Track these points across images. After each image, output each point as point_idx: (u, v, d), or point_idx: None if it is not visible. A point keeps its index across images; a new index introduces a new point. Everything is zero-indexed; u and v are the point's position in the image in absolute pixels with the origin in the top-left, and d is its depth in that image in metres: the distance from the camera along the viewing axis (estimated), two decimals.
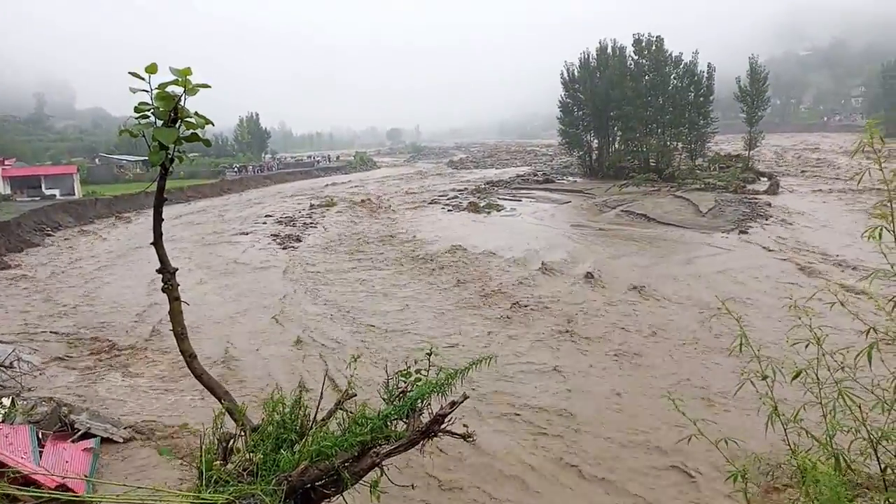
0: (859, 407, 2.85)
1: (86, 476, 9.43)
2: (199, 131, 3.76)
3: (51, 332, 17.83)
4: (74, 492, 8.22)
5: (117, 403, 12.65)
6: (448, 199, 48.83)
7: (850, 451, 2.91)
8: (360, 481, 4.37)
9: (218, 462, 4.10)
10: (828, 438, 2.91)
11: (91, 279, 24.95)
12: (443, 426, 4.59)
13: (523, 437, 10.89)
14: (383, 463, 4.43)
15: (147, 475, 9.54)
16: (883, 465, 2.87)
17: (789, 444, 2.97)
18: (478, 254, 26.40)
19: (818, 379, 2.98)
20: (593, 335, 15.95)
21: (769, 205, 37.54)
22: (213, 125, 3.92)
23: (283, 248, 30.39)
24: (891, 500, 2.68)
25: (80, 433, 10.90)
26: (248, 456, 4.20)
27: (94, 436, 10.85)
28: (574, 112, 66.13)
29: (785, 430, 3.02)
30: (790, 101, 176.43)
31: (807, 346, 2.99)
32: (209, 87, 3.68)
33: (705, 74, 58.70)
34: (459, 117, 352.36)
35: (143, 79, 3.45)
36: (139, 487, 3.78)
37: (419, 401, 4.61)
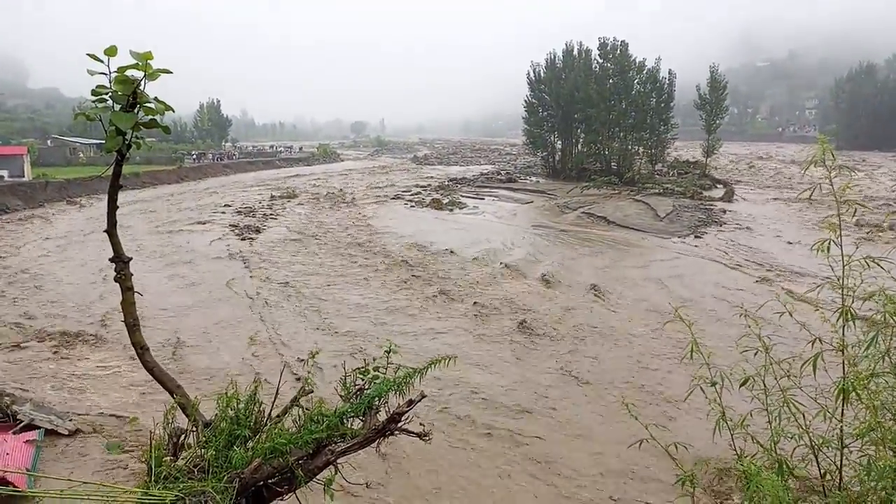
0: (803, 415, 2.96)
1: (27, 469, 9.12)
2: (158, 117, 3.66)
3: None
4: (15, 485, 7.95)
5: (64, 395, 12.26)
6: (411, 194, 48.70)
7: (792, 457, 3.02)
8: (314, 479, 4.33)
9: (168, 458, 4.01)
10: (772, 444, 3.02)
11: (39, 266, 24.09)
12: (399, 424, 4.59)
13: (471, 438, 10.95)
14: (338, 461, 4.41)
15: (93, 470, 9.27)
16: (823, 471, 2.99)
17: (735, 450, 3.07)
18: (440, 251, 26.41)
19: (765, 386, 3.08)
20: (546, 336, 16.12)
21: (724, 211, 38.57)
22: (174, 111, 3.82)
23: (242, 240, 29.87)
24: None
25: (22, 424, 10.52)
26: (199, 452, 4.11)
27: (38, 427, 10.48)
28: (539, 112, 66.72)
29: (732, 435, 3.11)
30: (747, 111, 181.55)
31: (756, 354, 3.08)
32: (170, 72, 3.58)
33: (667, 81, 59.89)
34: (425, 113, 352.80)
35: (101, 61, 3.34)
36: (84, 482, 3.68)
37: (376, 399, 4.60)
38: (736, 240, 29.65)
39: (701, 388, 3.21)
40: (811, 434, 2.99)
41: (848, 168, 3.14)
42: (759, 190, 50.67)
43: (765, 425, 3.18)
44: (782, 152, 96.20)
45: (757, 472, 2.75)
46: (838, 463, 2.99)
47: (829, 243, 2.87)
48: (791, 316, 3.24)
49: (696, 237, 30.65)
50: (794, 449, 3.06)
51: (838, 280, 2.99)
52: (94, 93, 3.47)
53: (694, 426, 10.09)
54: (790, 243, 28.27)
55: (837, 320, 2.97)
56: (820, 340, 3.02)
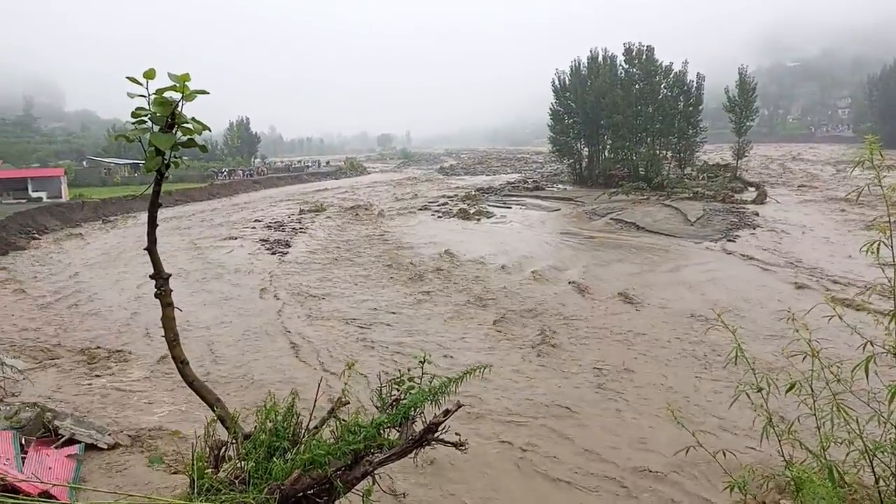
0: (856, 420, 2.87)
1: (68, 483, 9.29)
2: (195, 136, 3.73)
3: (35, 335, 17.60)
4: (57, 499, 8.10)
5: (103, 409, 12.49)
6: (438, 205, 48.84)
7: (844, 463, 2.93)
8: (353, 490, 4.35)
9: (210, 470, 4.06)
10: (821, 450, 2.94)
11: (77, 283, 24.69)
12: (436, 435, 4.58)
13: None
14: (376, 471, 4.41)
15: (132, 483, 9.40)
16: (877, 476, 2.90)
17: (783, 456, 2.99)
18: (468, 261, 26.41)
19: (812, 391, 3.00)
20: (579, 345, 15.95)
21: (757, 214, 37.84)
22: (210, 130, 3.90)
23: (272, 254, 30.26)
24: None
25: (63, 439, 10.72)
26: (239, 464, 4.17)
27: (79, 442, 10.67)
28: (565, 120, 66.50)
29: (780, 441, 3.04)
30: (778, 112, 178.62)
31: (804, 359, 3.01)
32: (207, 93, 3.65)
33: (694, 84, 59.25)
34: (450, 123, 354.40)
35: (140, 83, 3.43)
36: (130, 495, 3.74)
37: (412, 409, 4.60)
38: (770, 243, 29.06)
39: (747, 393, 3.14)
40: (864, 439, 2.91)
41: None
42: (792, 192, 49.64)
43: (812, 431, 3.10)
44: (814, 152, 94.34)
45: (807, 478, 2.68)
46: (894, 468, 2.90)
47: (879, 245, 2.79)
48: (841, 319, 3.15)
49: (728, 241, 30.12)
50: (847, 454, 2.97)
51: (889, 282, 2.91)
52: (133, 115, 3.56)
53: (738, 432, 9.88)
54: (826, 246, 27.64)
55: (889, 323, 2.88)
56: (871, 344, 2.94)
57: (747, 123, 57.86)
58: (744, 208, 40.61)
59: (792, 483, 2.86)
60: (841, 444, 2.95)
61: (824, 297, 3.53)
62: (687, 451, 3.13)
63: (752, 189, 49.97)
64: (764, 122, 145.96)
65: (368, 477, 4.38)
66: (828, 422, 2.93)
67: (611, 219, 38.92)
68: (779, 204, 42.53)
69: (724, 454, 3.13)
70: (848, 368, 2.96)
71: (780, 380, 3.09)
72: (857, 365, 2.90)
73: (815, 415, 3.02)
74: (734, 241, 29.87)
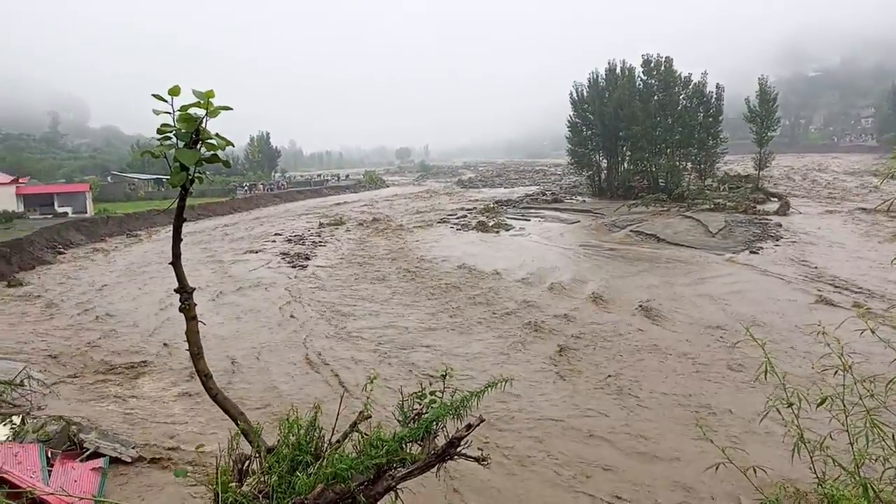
0: (892, 436, 2.80)
1: (94, 496, 9.36)
2: (218, 152, 3.78)
3: (61, 350, 17.85)
4: None
5: (127, 423, 12.60)
6: (457, 218, 48.91)
7: (880, 481, 2.85)
8: None
9: (233, 484, 4.07)
10: (855, 467, 2.87)
11: (101, 297, 25.03)
12: (458, 449, 4.55)
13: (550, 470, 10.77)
14: (398, 486, 4.39)
15: (157, 496, 9.47)
16: None
17: (815, 473, 2.92)
18: (487, 274, 26.35)
19: (844, 406, 2.93)
20: (601, 360, 15.80)
21: (780, 225, 37.34)
22: (234, 146, 3.95)
23: (293, 267, 30.48)
24: None
25: (88, 452, 10.84)
26: (263, 478, 4.17)
27: (103, 455, 10.78)
28: (583, 132, 66.41)
29: (811, 458, 2.97)
30: (799, 122, 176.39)
31: (835, 374, 2.94)
32: (231, 109, 3.70)
33: (714, 95, 58.88)
34: (468, 137, 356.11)
35: (165, 100, 3.49)
36: None
37: (434, 423, 4.57)
38: (794, 254, 28.63)
39: (777, 409, 3.08)
40: None
41: None
42: (815, 202, 48.94)
43: (844, 448, 3.03)
44: (838, 162, 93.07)
45: (841, 495, 2.62)
46: None
47: None
48: (873, 333, 3.08)
49: (751, 252, 29.73)
50: (883, 472, 2.89)
51: None
52: (159, 131, 3.62)
53: (763, 449, 9.69)
54: (851, 258, 27.16)
55: None
56: None
57: (768, 134, 57.27)
58: (766, 219, 40.11)
59: (825, 500, 2.79)
60: (875, 461, 2.87)
61: (856, 312, 3.46)
62: (717, 468, 3.08)
63: (775, 200, 49.37)
64: (785, 132, 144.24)
65: (391, 492, 4.35)
66: (861, 438, 2.86)
67: (631, 231, 38.67)
68: (802, 215, 41.96)
69: (755, 471, 3.07)
70: (881, 383, 2.89)
71: (811, 395, 3.03)
72: (892, 380, 2.83)
73: (847, 431, 2.95)
74: (757, 253, 29.46)
